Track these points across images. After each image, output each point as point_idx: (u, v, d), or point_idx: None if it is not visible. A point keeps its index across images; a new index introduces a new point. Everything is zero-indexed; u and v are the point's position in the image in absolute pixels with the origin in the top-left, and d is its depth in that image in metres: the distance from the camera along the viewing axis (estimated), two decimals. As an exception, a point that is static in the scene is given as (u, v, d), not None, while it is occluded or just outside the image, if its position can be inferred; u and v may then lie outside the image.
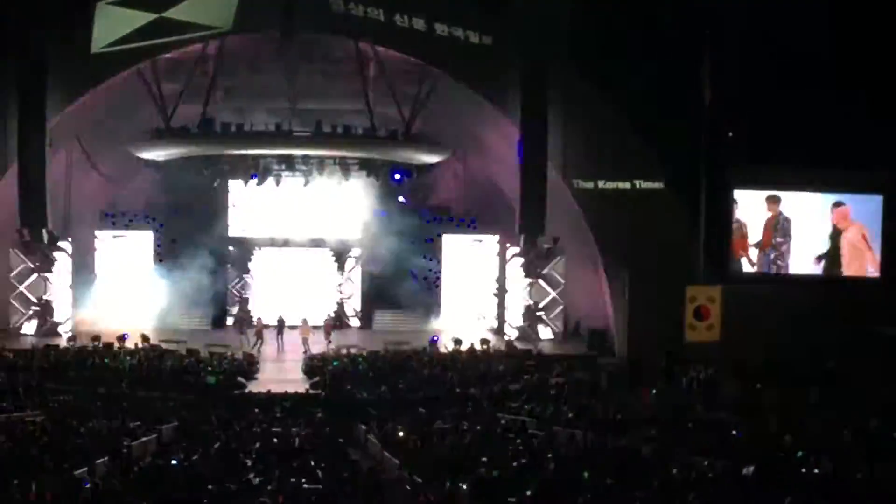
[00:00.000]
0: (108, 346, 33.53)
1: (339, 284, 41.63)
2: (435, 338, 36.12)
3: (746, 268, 36.87)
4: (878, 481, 17.48)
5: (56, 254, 36.32)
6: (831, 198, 36.72)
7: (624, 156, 35.47)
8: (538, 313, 37.58)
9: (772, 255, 36.87)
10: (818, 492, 16.91)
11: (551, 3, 34.69)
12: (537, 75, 34.95)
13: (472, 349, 34.39)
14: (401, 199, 40.83)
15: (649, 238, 34.68)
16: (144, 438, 22.83)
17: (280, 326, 37.46)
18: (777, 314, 33.84)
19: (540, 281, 37.41)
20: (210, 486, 17.16)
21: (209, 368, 31.03)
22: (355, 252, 41.70)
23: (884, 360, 30.85)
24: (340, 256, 41.73)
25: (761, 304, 34.19)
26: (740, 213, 36.62)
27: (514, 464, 19.11)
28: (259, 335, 36.51)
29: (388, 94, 36.43)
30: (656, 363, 32.29)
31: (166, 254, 40.46)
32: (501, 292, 39.59)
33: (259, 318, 38.24)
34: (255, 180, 37.57)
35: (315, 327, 37.46)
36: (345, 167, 37.92)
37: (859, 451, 19.61)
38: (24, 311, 36.39)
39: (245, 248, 41.60)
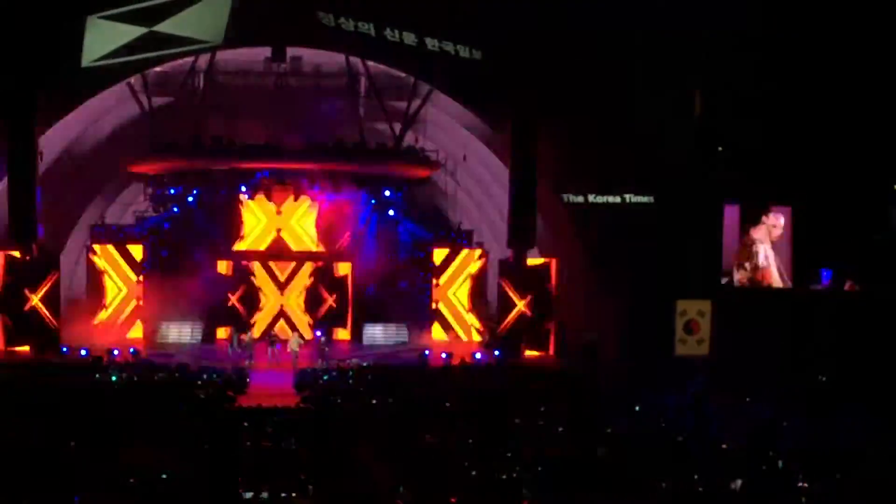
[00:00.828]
0: (98, 359, 33.47)
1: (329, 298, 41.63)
2: (427, 352, 36.08)
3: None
4: (868, 494, 17.51)
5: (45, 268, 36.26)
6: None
7: (614, 170, 35.54)
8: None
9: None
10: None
11: (541, 17, 34.83)
12: (527, 89, 35.04)
13: (462, 362, 34.40)
14: (391, 212, 40.78)
15: (639, 252, 34.76)
16: (135, 452, 22.73)
17: (271, 340, 37.49)
18: (767, 328, 33.93)
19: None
20: (201, 501, 17.14)
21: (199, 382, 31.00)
22: (346, 265, 41.65)
23: (876, 374, 30.94)
24: (331, 269, 41.69)
25: (751, 318, 34.31)
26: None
27: (505, 476, 19.11)
28: (249, 349, 36.57)
29: (379, 108, 36.54)
30: (647, 377, 32.32)
31: (156, 268, 40.39)
32: (493, 305, 39.59)
33: (250, 332, 38.27)
34: (245, 194, 37.62)
35: (307, 341, 37.54)
36: (335, 181, 38.02)
37: (850, 465, 19.65)
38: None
39: (235, 260, 41.54)
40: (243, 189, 39.12)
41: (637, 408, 27.17)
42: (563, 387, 31.74)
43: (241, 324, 40.09)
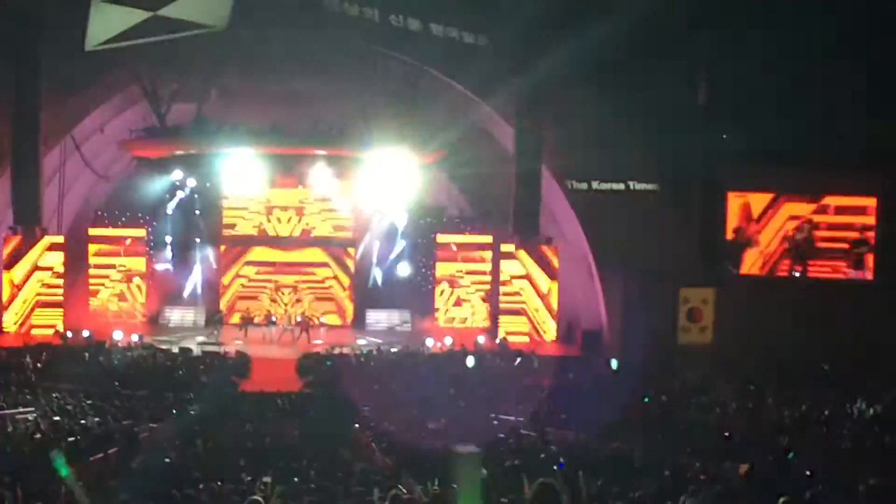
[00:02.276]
0: (101, 344, 33.50)
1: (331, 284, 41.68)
2: (429, 338, 35.98)
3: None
4: (871, 484, 17.48)
5: (48, 251, 36.27)
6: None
7: (618, 157, 35.47)
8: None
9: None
10: (811, 493, 16.91)
11: (546, 3, 34.70)
12: (531, 75, 34.95)
13: (464, 349, 34.40)
14: (394, 198, 40.64)
15: (643, 239, 34.71)
16: (137, 436, 22.77)
17: (269, 322, 37.79)
18: (771, 316, 33.92)
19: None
20: (202, 485, 17.13)
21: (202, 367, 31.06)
22: (350, 251, 41.66)
23: (879, 363, 30.92)
24: (335, 255, 41.71)
25: (754, 305, 34.29)
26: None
27: (507, 464, 19.09)
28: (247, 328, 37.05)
29: (383, 93, 36.45)
30: (649, 365, 32.33)
31: (159, 252, 40.43)
32: (495, 293, 39.58)
33: (251, 315, 38.57)
34: (250, 179, 37.70)
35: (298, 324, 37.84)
36: (340, 166, 38.02)
37: (853, 454, 19.65)
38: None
39: (238, 245, 41.55)
40: (248, 174, 39.16)
41: (646, 398, 27.10)
42: (565, 374, 31.86)
43: (244, 308, 40.27)
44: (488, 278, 40.85)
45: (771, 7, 33.76)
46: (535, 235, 36.40)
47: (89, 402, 26.59)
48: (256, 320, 38.96)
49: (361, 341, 37.26)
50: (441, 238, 41.18)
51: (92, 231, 40.12)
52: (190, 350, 33.21)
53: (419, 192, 41.93)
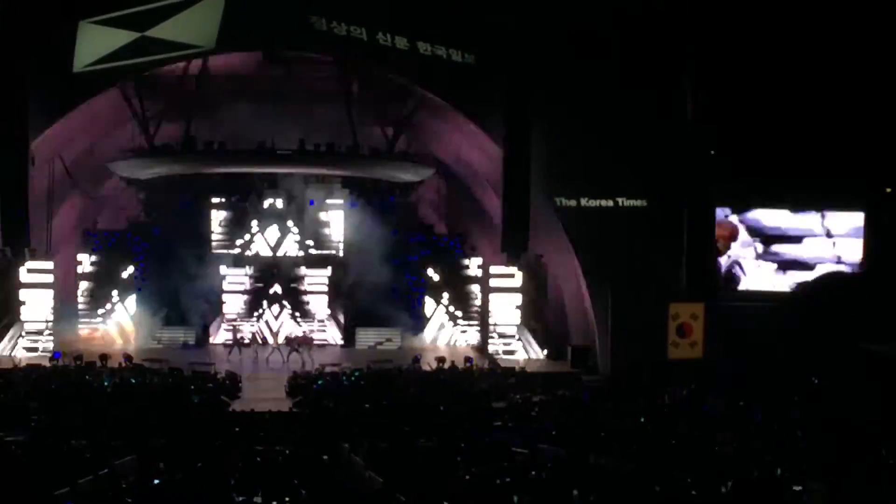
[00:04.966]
0: (91, 364, 33.40)
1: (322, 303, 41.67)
2: (419, 356, 35.97)
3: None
4: (858, 497, 17.52)
5: (38, 272, 36.21)
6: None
7: (607, 173, 35.58)
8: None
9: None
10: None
11: (534, 22, 34.81)
12: (520, 93, 35.06)
13: (454, 367, 34.38)
14: (384, 217, 40.71)
15: (632, 255, 34.83)
16: (126, 458, 22.69)
17: (259, 340, 37.81)
18: (760, 330, 34.00)
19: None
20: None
21: (192, 387, 30.96)
22: (338, 270, 41.64)
23: (868, 377, 31.01)
24: (324, 274, 41.70)
25: (744, 320, 34.39)
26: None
27: (498, 481, 19.07)
28: (238, 348, 36.94)
29: (372, 112, 36.53)
30: (639, 380, 32.36)
31: (149, 272, 40.35)
32: (484, 309, 39.60)
33: (241, 335, 38.52)
34: (238, 198, 37.70)
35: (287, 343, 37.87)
36: (328, 185, 38.05)
37: (841, 468, 19.67)
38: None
39: (227, 264, 41.50)
40: (235, 193, 39.23)
41: (642, 419, 27.02)
42: (555, 391, 31.85)
43: (234, 328, 40.20)
44: (478, 295, 40.92)
45: (756, 25, 33.94)
46: (524, 252, 36.41)
47: (79, 423, 26.51)
48: (246, 340, 39.04)
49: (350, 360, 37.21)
50: (430, 256, 41.30)
51: (81, 251, 40.08)
52: (180, 370, 33.12)
53: (407, 211, 42.07)
